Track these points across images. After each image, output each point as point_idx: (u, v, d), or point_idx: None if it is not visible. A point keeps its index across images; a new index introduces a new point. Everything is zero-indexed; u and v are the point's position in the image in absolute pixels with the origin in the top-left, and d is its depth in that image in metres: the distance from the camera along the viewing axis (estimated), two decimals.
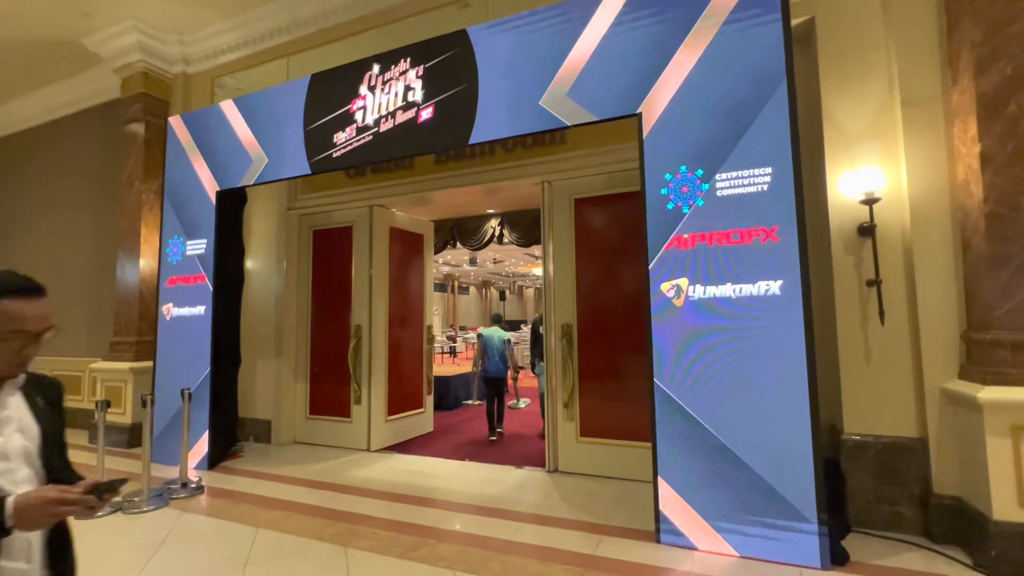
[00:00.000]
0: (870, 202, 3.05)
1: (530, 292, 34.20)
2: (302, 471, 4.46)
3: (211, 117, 4.81)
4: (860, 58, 3.23)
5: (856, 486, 3.07)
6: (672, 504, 2.91)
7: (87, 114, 6.90)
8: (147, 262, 5.67)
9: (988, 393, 2.53)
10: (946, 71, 2.99)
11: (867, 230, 3.10)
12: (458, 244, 8.49)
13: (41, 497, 1.04)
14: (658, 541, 2.92)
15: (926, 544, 2.83)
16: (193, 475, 4.20)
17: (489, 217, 8.06)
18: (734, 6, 2.94)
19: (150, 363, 5.51)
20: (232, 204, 4.97)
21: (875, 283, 3.07)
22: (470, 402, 8.07)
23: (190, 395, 4.09)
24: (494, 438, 5.64)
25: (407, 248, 5.76)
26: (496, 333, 6.23)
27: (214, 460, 4.57)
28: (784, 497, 2.67)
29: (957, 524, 2.79)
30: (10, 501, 1.03)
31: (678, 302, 2.98)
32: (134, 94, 5.78)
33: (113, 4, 5.19)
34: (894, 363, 3.07)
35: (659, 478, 2.94)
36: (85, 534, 3.08)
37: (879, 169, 3.07)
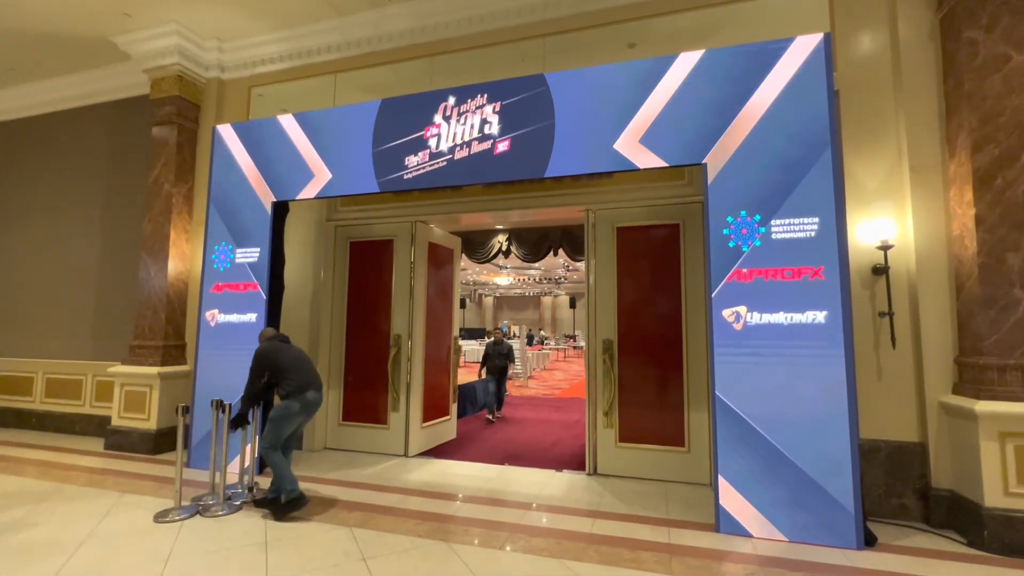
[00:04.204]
0: (884, 248, 3.72)
1: (488, 301, 34.48)
2: (355, 475, 4.63)
3: (266, 129, 4.92)
4: (875, 128, 3.93)
5: (869, 482, 3.70)
6: (730, 498, 3.41)
7: (95, 110, 6.69)
8: (175, 266, 5.62)
9: (983, 406, 3.21)
10: (944, 146, 3.73)
11: (881, 270, 3.77)
12: (463, 256, 8.79)
13: None
14: (718, 530, 3.41)
15: (927, 529, 3.49)
16: (243, 480, 4.27)
17: (496, 232, 8.44)
18: (787, 82, 3.53)
19: (180, 367, 5.49)
20: (280, 214, 5.08)
21: (887, 314, 3.74)
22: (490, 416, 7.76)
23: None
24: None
25: (441, 262, 6.04)
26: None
27: (262, 465, 4.65)
28: (827, 491, 3.23)
29: (952, 512, 3.46)
30: None
31: (737, 326, 3.51)
32: (166, 96, 5.74)
33: (158, 6, 5.19)
34: (900, 380, 3.74)
35: (719, 476, 3.44)
36: (179, 537, 3.19)
37: (892, 221, 3.76)
